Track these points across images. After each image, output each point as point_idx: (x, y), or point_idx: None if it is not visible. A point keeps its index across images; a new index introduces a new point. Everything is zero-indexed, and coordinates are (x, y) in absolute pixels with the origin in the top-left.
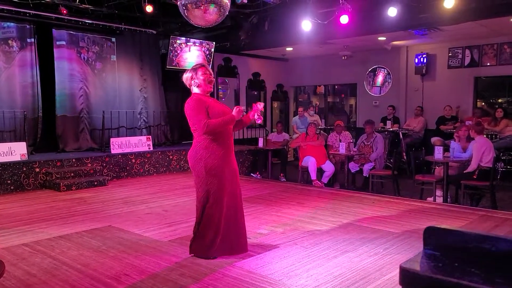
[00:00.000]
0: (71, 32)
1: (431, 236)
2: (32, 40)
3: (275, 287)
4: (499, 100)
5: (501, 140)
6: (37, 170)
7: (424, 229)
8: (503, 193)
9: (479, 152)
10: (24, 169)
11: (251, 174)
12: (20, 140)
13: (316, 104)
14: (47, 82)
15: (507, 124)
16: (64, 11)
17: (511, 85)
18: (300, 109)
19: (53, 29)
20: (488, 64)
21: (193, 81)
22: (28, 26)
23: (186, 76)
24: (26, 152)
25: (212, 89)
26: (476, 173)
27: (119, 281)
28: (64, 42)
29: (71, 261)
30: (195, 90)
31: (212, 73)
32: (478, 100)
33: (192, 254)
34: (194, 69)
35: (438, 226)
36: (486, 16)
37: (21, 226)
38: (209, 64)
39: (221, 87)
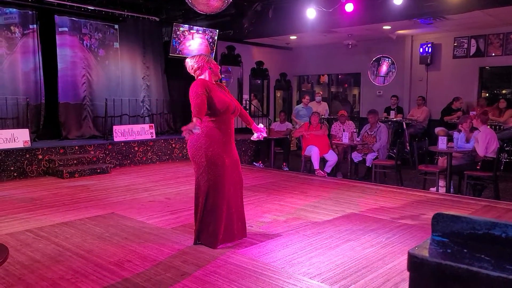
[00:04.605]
0: (74, 18)
1: (439, 223)
2: (34, 26)
3: (277, 275)
4: (503, 91)
5: (505, 131)
6: (40, 157)
7: (427, 218)
8: (506, 183)
9: (484, 141)
10: (27, 156)
11: (254, 163)
12: (22, 127)
13: (320, 93)
14: (49, 69)
15: (511, 115)
16: None
17: None
18: (307, 97)
19: (55, 15)
20: (494, 54)
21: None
22: (30, 12)
23: (199, 59)
24: (29, 139)
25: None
26: (480, 163)
27: (122, 268)
28: (66, 29)
29: (75, 247)
30: (202, 77)
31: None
32: (482, 91)
33: (198, 244)
34: (206, 55)
35: (447, 213)
36: (493, 5)
37: (24, 213)
38: (212, 52)
39: (224, 75)
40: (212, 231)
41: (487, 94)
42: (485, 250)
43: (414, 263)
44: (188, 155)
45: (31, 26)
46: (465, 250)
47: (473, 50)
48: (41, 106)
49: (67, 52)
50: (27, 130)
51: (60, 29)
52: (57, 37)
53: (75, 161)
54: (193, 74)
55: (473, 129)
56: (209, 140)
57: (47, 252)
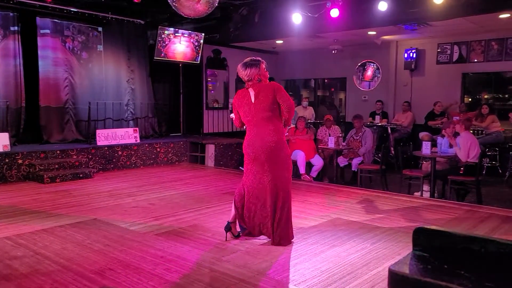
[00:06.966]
0: (56, 20)
1: (420, 237)
2: (16, 28)
3: (262, 282)
4: (485, 97)
5: (487, 136)
6: (20, 161)
7: (412, 223)
8: (488, 188)
9: (465, 146)
10: (7, 160)
11: (240, 167)
12: (2, 131)
13: (306, 98)
14: (30, 72)
15: (493, 120)
16: None
17: (497, 82)
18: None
19: (37, 17)
20: (476, 60)
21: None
22: (11, 14)
23: (251, 72)
24: (8, 143)
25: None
26: (463, 168)
27: (103, 276)
28: (48, 31)
29: (54, 255)
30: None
31: None
32: (465, 96)
33: (279, 245)
34: (258, 64)
35: (428, 227)
36: (475, 12)
37: (3, 219)
38: (198, 56)
39: (210, 79)
40: (291, 224)
41: (470, 99)
42: (465, 266)
43: (395, 280)
44: (173, 159)
45: (12, 28)
46: (445, 266)
47: (456, 56)
48: (21, 109)
49: (49, 54)
50: (7, 134)
51: (42, 31)
52: (38, 39)
53: (56, 166)
54: (244, 80)
55: (456, 134)
56: (283, 139)
57: (26, 260)
